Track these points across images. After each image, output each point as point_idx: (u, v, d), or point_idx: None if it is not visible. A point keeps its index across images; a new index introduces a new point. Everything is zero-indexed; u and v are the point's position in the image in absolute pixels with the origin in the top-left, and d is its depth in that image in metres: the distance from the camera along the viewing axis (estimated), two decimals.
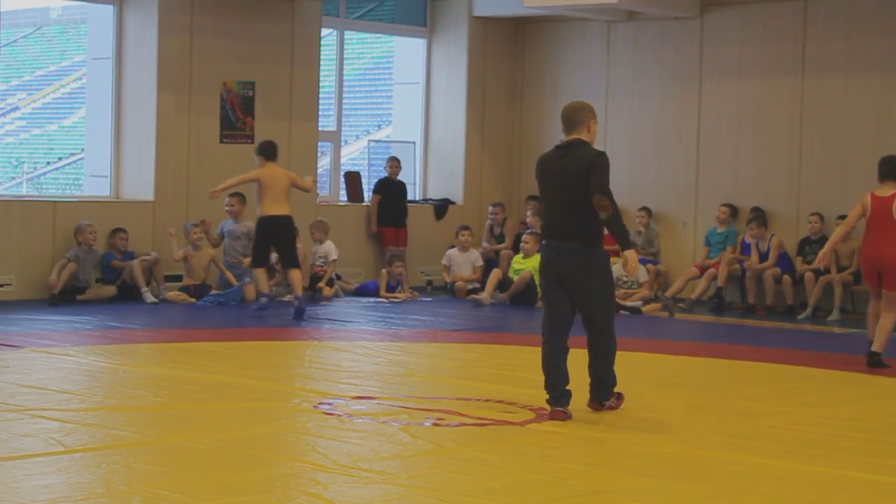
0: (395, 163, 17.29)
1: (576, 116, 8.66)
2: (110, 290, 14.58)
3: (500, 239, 17.41)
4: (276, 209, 13.71)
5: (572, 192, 8.42)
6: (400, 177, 17.41)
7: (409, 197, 17.78)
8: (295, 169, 16.20)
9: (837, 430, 8.34)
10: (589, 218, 8.40)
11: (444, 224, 17.85)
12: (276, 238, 13.88)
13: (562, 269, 8.45)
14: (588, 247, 8.42)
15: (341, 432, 7.69)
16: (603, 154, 8.48)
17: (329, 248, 15.80)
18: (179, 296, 14.80)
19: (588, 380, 8.63)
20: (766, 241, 15.64)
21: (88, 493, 6.22)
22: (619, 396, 8.76)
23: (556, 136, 18.15)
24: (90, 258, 14.53)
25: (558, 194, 8.55)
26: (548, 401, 8.42)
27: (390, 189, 17.20)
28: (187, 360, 10.67)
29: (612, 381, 8.68)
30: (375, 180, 17.55)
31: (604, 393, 8.65)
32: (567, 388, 8.42)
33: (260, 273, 14.14)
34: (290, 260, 13.93)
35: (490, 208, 17.60)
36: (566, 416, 8.32)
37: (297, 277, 13.85)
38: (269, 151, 13.93)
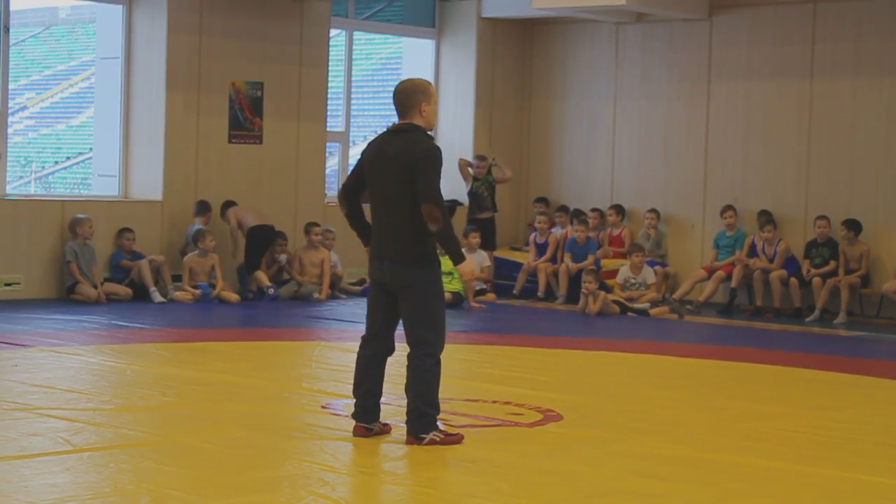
0: None
1: (407, 99, 7.42)
2: (126, 290, 14.62)
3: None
4: (262, 219, 15.51)
5: (397, 190, 7.33)
6: None
7: None
8: (303, 171, 16.28)
9: (844, 432, 8.33)
10: (416, 230, 7.34)
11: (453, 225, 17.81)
12: (263, 245, 15.56)
13: (386, 283, 7.51)
14: (414, 268, 7.37)
15: (349, 433, 7.69)
16: (434, 149, 7.35)
17: (336, 258, 16.05)
18: (186, 294, 14.81)
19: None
20: (773, 244, 15.62)
21: (96, 492, 6.24)
22: (449, 434, 7.52)
23: (565, 138, 18.31)
24: (86, 252, 14.46)
25: (381, 191, 7.42)
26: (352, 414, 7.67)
27: None
28: (195, 359, 10.69)
29: (432, 410, 7.45)
30: None
31: (421, 424, 7.41)
32: (376, 402, 7.60)
33: (260, 273, 15.49)
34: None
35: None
36: (369, 433, 7.54)
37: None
38: None
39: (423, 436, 7.39)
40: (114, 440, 7.37)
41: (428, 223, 7.25)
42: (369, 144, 7.65)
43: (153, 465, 6.78)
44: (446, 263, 15.30)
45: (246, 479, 6.56)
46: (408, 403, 7.49)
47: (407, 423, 7.49)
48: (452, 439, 7.48)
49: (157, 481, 6.42)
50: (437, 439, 7.41)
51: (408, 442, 7.44)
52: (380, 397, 7.65)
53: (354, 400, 7.67)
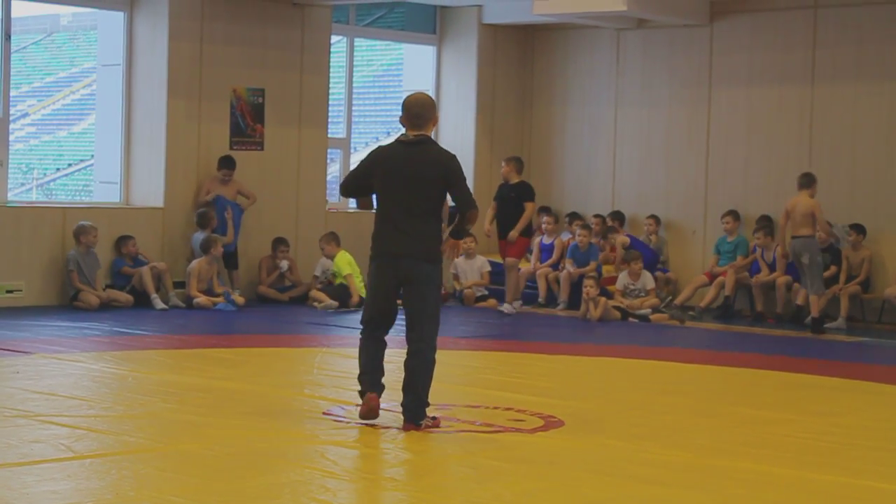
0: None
1: (425, 113, 8.02)
2: (127, 297, 14.64)
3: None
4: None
5: (420, 198, 7.98)
6: None
7: None
8: (305, 177, 16.31)
9: (845, 438, 8.34)
10: (432, 231, 8.05)
11: None
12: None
13: (400, 278, 8.04)
14: (430, 264, 8.00)
15: (350, 439, 7.69)
16: (456, 157, 8.09)
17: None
18: (206, 300, 14.81)
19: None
20: (771, 250, 15.60)
21: (98, 498, 6.24)
22: (435, 419, 8.13)
23: (566, 144, 18.31)
24: (89, 259, 14.46)
25: (402, 198, 7.99)
26: (360, 391, 8.13)
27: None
28: (196, 366, 10.69)
29: (428, 399, 8.10)
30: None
31: (421, 412, 8.04)
32: (382, 380, 8.14)
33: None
34: None
35: None
36: (378, 405, 8.05)
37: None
38: None
39: (421, 423, 7.98)
40: (115, 447, 7.37)
41: (468, 224, 8.03)
42: (381, 153, 8.15)
43: (155, 472, 6.78)
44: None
45: (247, 485, 6.56)
46: (411, 392, 8.01)
47: (408, 410, 8.02)
48: (435, 423, 8.06)
49: (159, 488, 6.43)
50: (430, 424, 8.00)
51: (405, 428, 7.94)
52: (383, 375, 8.16)
53: (364, 378, 8.10)
